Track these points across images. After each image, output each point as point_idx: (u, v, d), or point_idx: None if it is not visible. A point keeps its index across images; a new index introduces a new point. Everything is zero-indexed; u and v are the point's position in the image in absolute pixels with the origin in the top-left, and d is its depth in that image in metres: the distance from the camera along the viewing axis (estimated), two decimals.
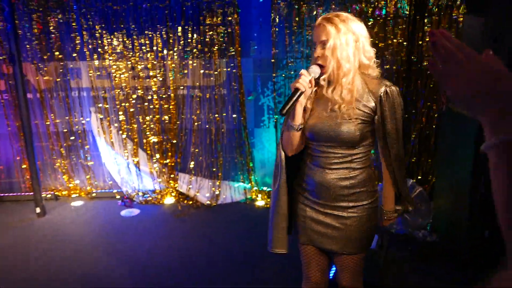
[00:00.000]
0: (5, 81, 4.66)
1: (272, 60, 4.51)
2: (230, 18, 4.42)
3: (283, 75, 4.56)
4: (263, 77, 4.68)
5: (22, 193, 4.92)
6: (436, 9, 4.04)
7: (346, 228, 1.88)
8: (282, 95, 4.62)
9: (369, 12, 4.19)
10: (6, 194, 4.92)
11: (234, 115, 4.72)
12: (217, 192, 4.80)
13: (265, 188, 4.89)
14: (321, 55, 1.77)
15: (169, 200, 4.81)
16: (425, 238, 3.60)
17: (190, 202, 4.75)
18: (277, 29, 4.41)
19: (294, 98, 1.77)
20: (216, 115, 4.71)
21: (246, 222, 4.30)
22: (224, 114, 4.72)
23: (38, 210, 4.45)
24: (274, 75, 4.56)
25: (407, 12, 4.13)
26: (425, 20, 4.09)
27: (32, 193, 4.54)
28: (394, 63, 4.26)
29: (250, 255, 3.60)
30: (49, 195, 4.86)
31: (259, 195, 4.80)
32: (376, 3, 4.16)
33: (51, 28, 4.52)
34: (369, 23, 4.19)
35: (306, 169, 1.94)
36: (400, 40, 4.20)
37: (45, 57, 4.60)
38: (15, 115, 4.71)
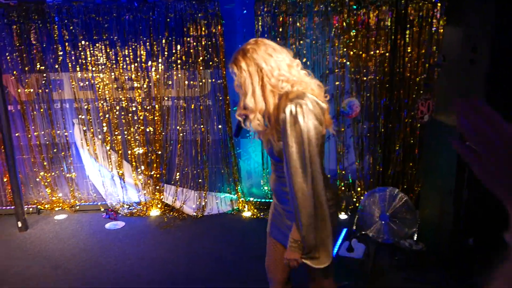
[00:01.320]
0: None
1: None
2: (214, 30, 4.42)
3: None
4: None
5: (3, 207, 4.82)
6: (417, 21, 4.11)
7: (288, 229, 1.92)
8: None
9: (352, 23, 4.24)
10: None
11: (220, 126, 4.70)
12: (203, 203, 4.76)
13: (251, 199, 4.88)
14: (237, 90, 1.89)
15: (154, 212, 4.76)
16: (412, 247, 3.61)
17: (176, 214, 4.71)
18: None
19: (238, 127, 2.01)
20: (201, 126, 4.70)
21: (233, 233, 4.27)
22: (209, 125, 4.71)
23: (19, 224, 4.36)
24: None
25: (389, 24, 4.19)
26: (407, 32, 4.16)
27: (13, 207, 4.44)
28: (377, 73, 4.31)
29: (238, 266, 3.58)
30: (31, 209, 4.76)
31: (246, 206, 4.78)
32: (359, 14, 4.22)
33: (32, 39, 4.46)
34: (352, 34, 4.24)
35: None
36: (383, 51, 4.26)
37: (26, 68, 4.53)
38: None
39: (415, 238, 3.78)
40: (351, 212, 4.57)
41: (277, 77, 1.77)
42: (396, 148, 4.37)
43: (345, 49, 4.33)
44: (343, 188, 4.72)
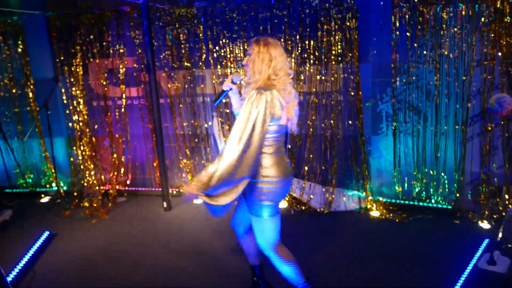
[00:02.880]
0: (142, 88, 5.23)
1: (392, 65, 4.32)
2: (348, 23, 4.35)
3: (404, 80, 4.33)
4: (382, 82, 4.50)
5: (153, 189, 5.46)
6: None
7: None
8: (402, 101, 4.40)
9: (507, 10, 3.76)
10: (139, 189, 5.51)
11: (350, 121, 4.62)
12: (330, 199, 4.74)
13: (381, 198, 4.70)
14: (245, 63, 2.52)
15: (282, 204, 4.90)
16: None
17: (303, 208, 4.78)
18: (398, 32, 4.22)
19: (221, 95, 2.64)
20: (332, 121, 4.67)
21: (359, 232, 4.17)
22: (340, 120, 4.65)
23: (165, 204, 4.91)
24: (393, 80, 4.36)
25: None
26: None
27: (160, 189, 5.01)
28: None
29: (363, 266, 3.49)
30: (175, 192, 5.31)
31: (374, 205, 4.62)
32: None
33: (181, 39, 4.94)
34: (507, 21, 3.76)
35: None
36: None
37: (175, 66, 5.05)
38: (149, 118, 5.26)
39: None
40: (496, 221, 4.09)
41: (275, 72, 2.42)
42: None
43: (496, 38, 3.87)
44: (486, 194, 4.25)
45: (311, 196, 4.80)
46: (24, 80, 5.46)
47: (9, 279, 3.39)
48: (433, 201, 4.53)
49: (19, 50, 5.37)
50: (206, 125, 5.18)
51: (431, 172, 4.47)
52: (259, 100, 2.31)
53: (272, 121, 2.37)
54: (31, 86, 5.46)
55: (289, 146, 4.86)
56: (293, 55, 4.62)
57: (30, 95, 5.48)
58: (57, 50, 5.25)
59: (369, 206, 4.65)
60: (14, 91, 5.50)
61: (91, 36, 5.13)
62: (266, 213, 2.51)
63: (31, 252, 3.90)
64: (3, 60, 5.42)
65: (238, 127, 2.31)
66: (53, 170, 5.44)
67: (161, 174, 4.96)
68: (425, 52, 4.18)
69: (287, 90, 2.45)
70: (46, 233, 4.27)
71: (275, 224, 2.57)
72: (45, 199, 5.47)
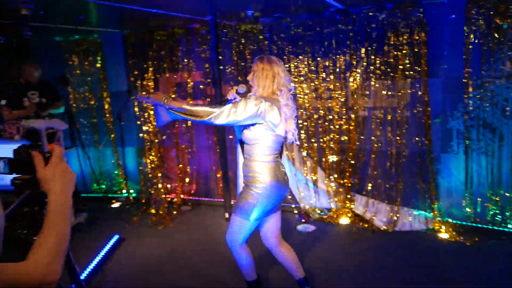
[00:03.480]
0: (208, 101, 5.41)
1: (464, 80, 4.12)
2: (417, 37, 4.22)
3: (478, 96, 4.11)
4: (453, 98, 4.30)
5: (215, 199, 5.60)
6: None
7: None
8: (475, 118, 4.17)
9: None
10: (203, 198, 5.67)
11: (418, 138, 4.45)
12: (395, 218, 4.58)
13: (450, 220, 4.46)
14: (250, 79, 2.80)
15: (344, 220, 4.81)
16: None
17: (366, 225, 4.65)
18: (471, 46, 4.02)
19: (226, 103, 2.71)
20: (398, 138, 4.53)
21: (425, 254, 3.98)
22: (406, 137, 4.50)
23: (226, 215, 5.01)
24: (466, 96, 4.15)
25: None
26: None
27: (223, 199, 5.12)
28: None
29: None
30: None
31: (443, 227, 4.39)
32: None
33: (247, 54, 5.06)
34: None
35: None
36: None
37: (240, 79, 5.17)
38: (213, 131, 5.42)
39: None
40: None
41: (279, 87, 2.69)
42: None
43: None
44: None
45: (375, 214, 4.67)
46: (101, 93, 5.86)
47: (81, 277, 3.63)
48: (509, 225, 4.22)
49: (98, 65, 5.79)
50: None
51: (507, 194, 4.17)
52: (256, 99, 2.57)
53: (268, 129, 2.65)
54: (107, 99, 5.86)
55: (352, 162, 4.77)
56: (358, 70, 4.56)
57: (106, 107, 5.88)
58: (131, 65, 5.60)
59: (437, 227, 4.43)
60: (92, 103, 5.93)
61: (162, 52, 5.41)
62: (253, 216, 2.72)
63: (102, 253, 4.15)
64: (84, 74, 5.87)
65: (227, 106, 2.59)
66: (124, 178, 5.77)
67: (223, 185, 5.08)
68: (501, 66, 3.95)
69: (289, 105, 2.70)
70: (116, 237, 4.52)
71: (252, 227, 2.81)
72: (116, 205, 5.80)
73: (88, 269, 3.80)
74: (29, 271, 1.09)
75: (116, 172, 6.07)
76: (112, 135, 5.88)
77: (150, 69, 5.50)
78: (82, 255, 4.06)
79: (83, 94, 5.95)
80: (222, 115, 2.58)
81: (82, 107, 5.98)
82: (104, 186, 6.14)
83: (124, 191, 5.99)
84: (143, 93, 2.80)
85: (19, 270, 1.07)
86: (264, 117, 2.59)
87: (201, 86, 5.41)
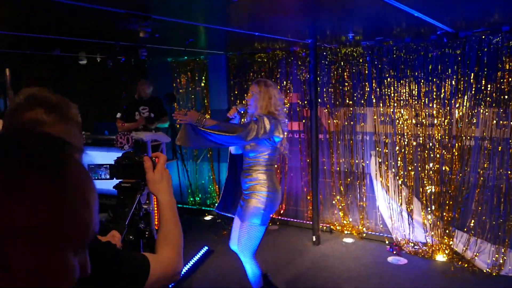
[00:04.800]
0: (303, 123, 5.44)
1: None
2: None
3: None
4: None
5: (304, 221, 5.54)
6: None
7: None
8: None
9: None
10: (291, 219, 5.66)
11: None
12: (501, 261, 4.12)
13: None
14: (249, 99, 3.17)
15: (440, 257, 4.45)
16: None
17: (466, 265, 4.25)
18: None
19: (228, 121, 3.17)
20: (509, 172, 4.11)
21: None
22: None
23: (314, 238, 4.93)
24: None
25: None
26: None
27: (311, 222, 5.06)
28: None
29: None
30: (325, 227, 5.30)
31: None
32: None
33: (346, 77, 5.03)
34: None
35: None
36: None
37: (337, 103, 5.14)
38: (307, 152, 5.42)
39: None
40: None
41: (276, 108, 3.10)
42: None
43: None
44: None
45: (477, 254, 4.25)
46: (203, 111, 6.21)
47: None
48: None
49: (202, 84, 6.17)
50: (363, 164, 5.09)
51: None
52: (268, 118, 2.99)
53: (276, 138, 3.04)
54: (208, 116, 6.19)
55: (453, 194, 4.43)
56: (465, 97, 4.26)
57: None
58: (232, 85, 5.87)
59: None
60: None
61: (262, 73, 5.60)
62: (260, 221, 3.04)
63: (191, 262, 4.32)
64: (189, 92, 6.29)
65: (250, 125, 2.94)
66: (217, 192, 5.99)
67: (313, 208, 5.02)
68: None
69: (286, 122, 3.19)
70: (205, 248, 4.69)
71: (262, 234, 3.10)
72: (208, 217, 6.03)
73: None
74: (168, 262, 1.22)
75: (210, 186, 6.33)
76: (210, 152, 6.17)
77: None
78: None
79: (186, 110, 6.35)
80: (254, 133, 2.92)
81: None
82: (198, 199, 6.43)
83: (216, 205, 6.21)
84: (181, 110, 3.15)
85: (162, 260, 1.20)
86: (272, 133, 3.00)
87: (297, 108, 5.47)
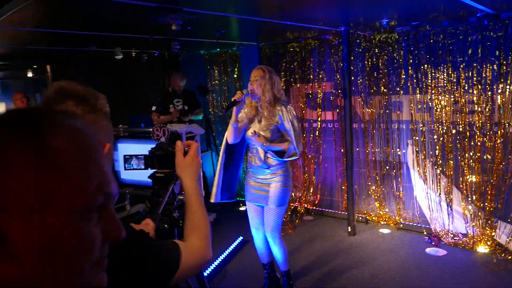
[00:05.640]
0: (337, 112, 5.37)
1: None
2: None
3: None
4: None
5: (339, 211, 5.49)
6: None
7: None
8: None
9: None
10: (326, 210, 5.62)
11: None
12: None
13: None
14: (255, 85, 3.21)
15: (482, 248, 4.30)
16: None
17: (510, 257, 4.09)
18: None
19: (233, 104, 3.17)
20: None
21: None
22: None
23: (349, 229, 4.87)
24: None
25: None
26: None
27: (346, 213, 5.01)
28: None
29: None
30: (360, 218, 5.23)
31: None
32: None
33: (380, 64, 4.91)
34: None
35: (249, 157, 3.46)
36: None
37: (372, 91, 5.03)
38: (341, 142, 5.35)
39: None
40: None
41: (279, 92, 3.25)
42: None
43: None
44: None
45: None
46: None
47: (205, 273, 3.87)
48: None
49: (235, 75, 6.19)
50: (399, 153, 4.97)
51: None
52: (292, 110, 3.24)
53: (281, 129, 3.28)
54: None
55: (496, 183, 4.26)
56: (508, 81, 4.07)
57: None
58: None
59: None
60: None
61: (295, 63, 5.55)
62: (286, 201, 3.30)
63: (226, 253, 4.37)
64: (221, 84, 6.32)
65: (297, 133, 3.19)
66: None
67: (348, 198, 4.96)
68: None
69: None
70: (240, 238, 4.73)
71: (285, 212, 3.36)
72: (242, 208, 6.07)
73: (211, 267, 4.03)
74: (197, 251, 1.23)
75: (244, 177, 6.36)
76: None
77: (283, 79, 5.68)
78: None
79: (219, 102, 6.40)
80: (301, 143, 3.22)
81: (218, 115, 6.44)
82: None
83: None
84: (254, 131, 3.17)
85: (192, 249, 1.21)
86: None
87: (331, 98, 5.40)
